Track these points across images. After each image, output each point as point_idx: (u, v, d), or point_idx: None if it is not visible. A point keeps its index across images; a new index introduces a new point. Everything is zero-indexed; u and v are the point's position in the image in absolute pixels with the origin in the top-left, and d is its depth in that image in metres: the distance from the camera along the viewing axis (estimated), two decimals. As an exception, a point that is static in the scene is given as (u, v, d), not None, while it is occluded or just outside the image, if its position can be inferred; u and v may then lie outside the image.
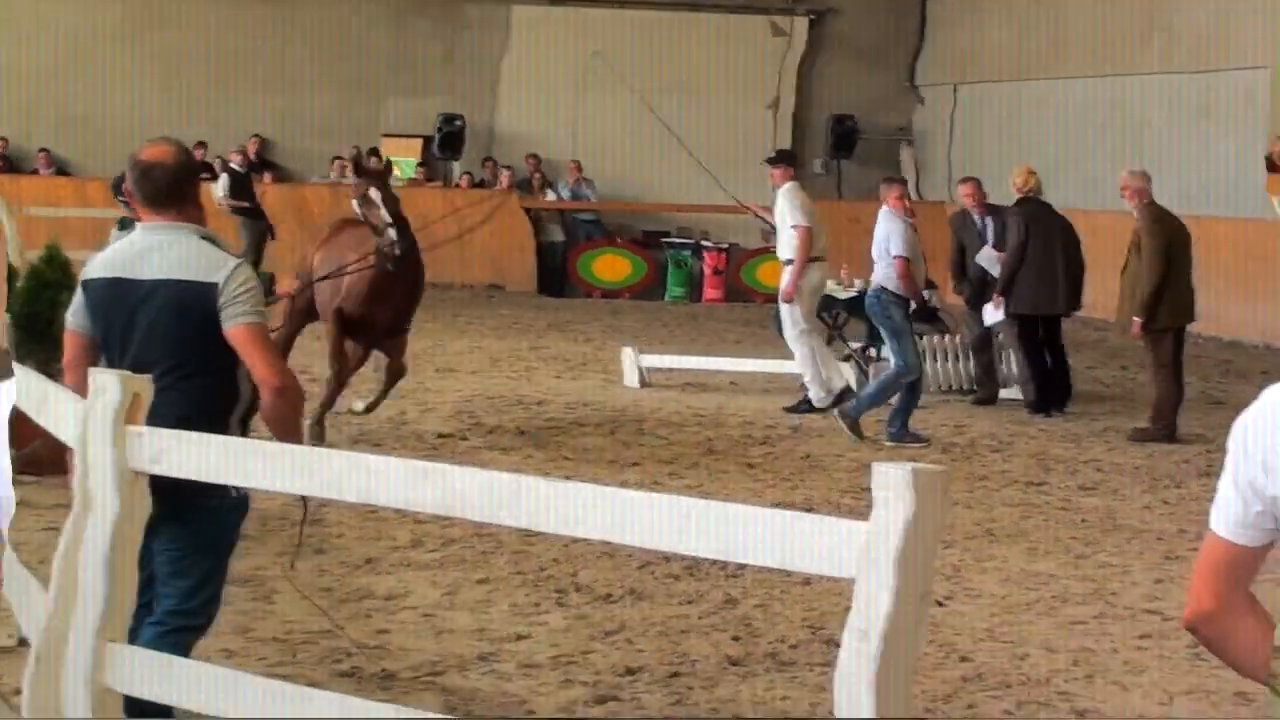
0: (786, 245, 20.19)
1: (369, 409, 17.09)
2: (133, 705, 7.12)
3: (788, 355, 20.83)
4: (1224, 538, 4.07)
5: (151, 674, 6.96)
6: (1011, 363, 20.76)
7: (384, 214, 15.73)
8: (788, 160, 21.14)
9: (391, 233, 15.62)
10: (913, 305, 18.46)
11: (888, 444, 17.63)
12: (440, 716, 7.51)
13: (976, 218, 20.71)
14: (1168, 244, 18.21)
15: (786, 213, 20.15)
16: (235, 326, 7.31)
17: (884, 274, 18.15)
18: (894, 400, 18.09)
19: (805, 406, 19.76)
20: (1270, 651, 3.97)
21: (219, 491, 7.35)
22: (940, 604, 11.19)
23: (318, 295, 16.61)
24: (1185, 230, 18.61)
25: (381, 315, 16.41)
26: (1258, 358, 25.47)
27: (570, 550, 12.01)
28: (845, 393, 19.49)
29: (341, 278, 16.15)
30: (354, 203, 16.38)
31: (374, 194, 15.85)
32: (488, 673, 9.78)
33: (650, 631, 10.73)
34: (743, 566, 10.47)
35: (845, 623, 5.15)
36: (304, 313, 17.09)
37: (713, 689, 9.60)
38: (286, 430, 7.46)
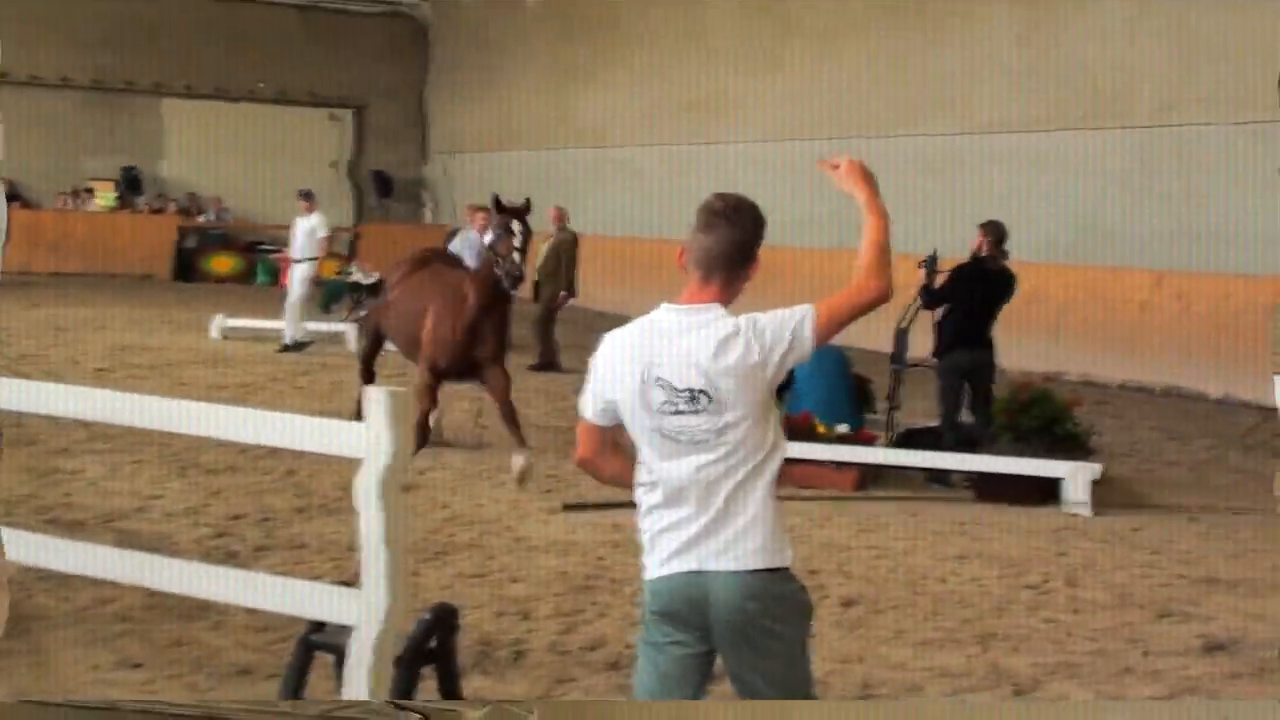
0: (311, 248, 20.49)
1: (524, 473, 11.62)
2: None
3: (314, 318, 21.54)
4: (590, 420, 4.30)
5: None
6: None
7: (515, 243, 11.66)
8: (312, 197, 21.09)
9: (516, 258, 11.65)
10: None
11: None
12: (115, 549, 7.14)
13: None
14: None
15: (318, 229, 20.47)
16: None
17: None
18: None
19: (300, 346, 20.10)
20: (628, 472, 4.25)
21: None
22: (422, 473, 11.45)
23: (394, 331, 12.79)
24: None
25: (479, 350, 11.95)
26: (618, 321, 25.56)
27: (194, 441, 11.27)
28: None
29: (422, 327, 12.14)
30: (489, 234, 12.24)
31: (516, 226, 11.75)
32: (143, 520, 9.71)
33: (244, 492, 10.72)
34: (301, 452, 10.26)
35: (365, 483, 5.30)
36: (376, 335, 13.52)
37: (289, 528, 9.68)
38: None
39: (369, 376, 13.34)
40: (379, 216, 38.46)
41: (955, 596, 8.66)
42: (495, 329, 12.01)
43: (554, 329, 19.46)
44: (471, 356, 11.86)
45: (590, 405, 4.29)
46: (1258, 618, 8.42)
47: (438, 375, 12.06)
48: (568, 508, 11.07)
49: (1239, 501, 12.21)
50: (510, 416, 11.78)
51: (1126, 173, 20.54)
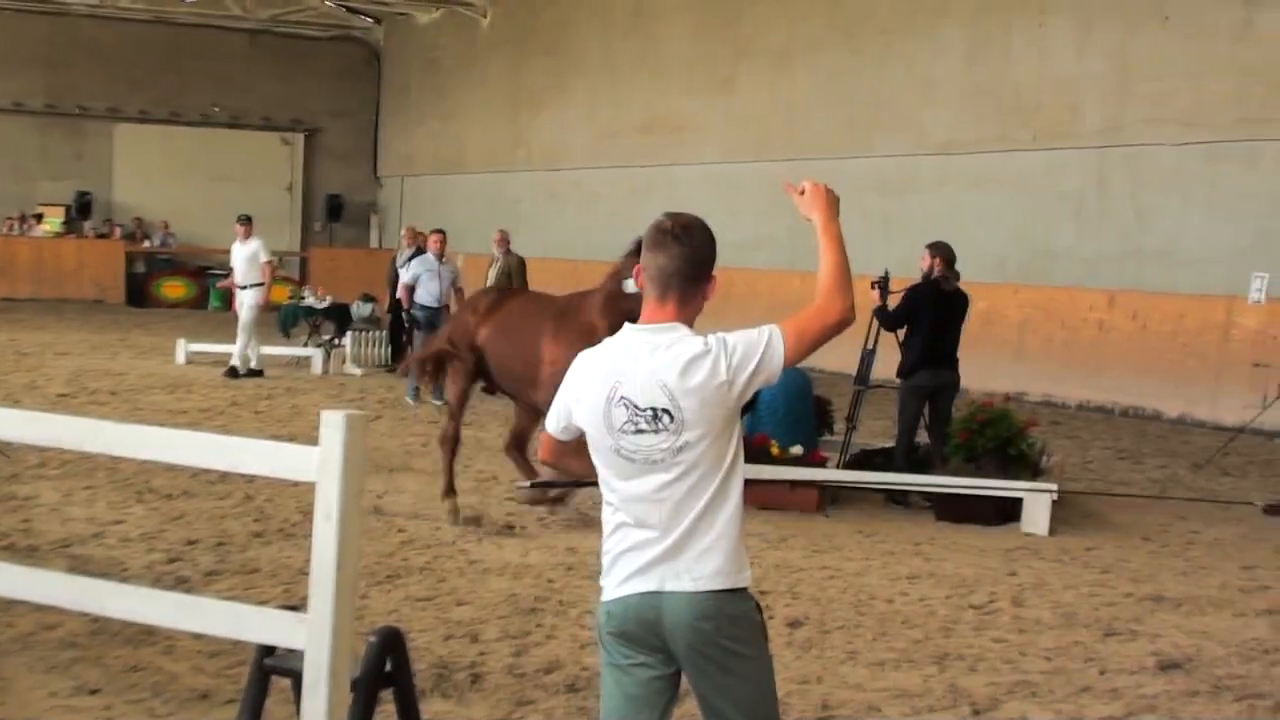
0: (254, 273, 20.21)
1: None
2: None
3: (277, 343, 22.15)
4: (552, 434, 4.34)
5: None
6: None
7: None
8: (250, 221, 20.65)
9: None
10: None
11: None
12: (67, 575, 7.24)
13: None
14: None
15: (259, 253, 20.22)
16: None
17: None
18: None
19: (240, 373, 19.85)
20: (589, 468, 4.23)
21: None
22: (379, 496, 11.42)
23: (499, 370, 11.30)
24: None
25: None
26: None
27: (144, 466, 11.43)
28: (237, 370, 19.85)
29: (534, 362, 10.75)
30: (629, 282, 9.07)
31: None
32: (99, 545, 9.66)
33: (201, 517, 10.65)
34: (254, 476, 9.85)
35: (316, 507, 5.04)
36: (472, 375, 11.49)
37: (244, 552, 9.60)
38: None
39: (459, 419, 11.76)
40: (323, 241, 38.96)
41: (900, 616, 8.66)
42: None
43: None
44: None
45: (554, 420, 4.31)
46: (1202, 635, 8.48)
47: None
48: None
49: (1196, 520, 12.30)
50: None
51: (1076, 193, 20.70)
